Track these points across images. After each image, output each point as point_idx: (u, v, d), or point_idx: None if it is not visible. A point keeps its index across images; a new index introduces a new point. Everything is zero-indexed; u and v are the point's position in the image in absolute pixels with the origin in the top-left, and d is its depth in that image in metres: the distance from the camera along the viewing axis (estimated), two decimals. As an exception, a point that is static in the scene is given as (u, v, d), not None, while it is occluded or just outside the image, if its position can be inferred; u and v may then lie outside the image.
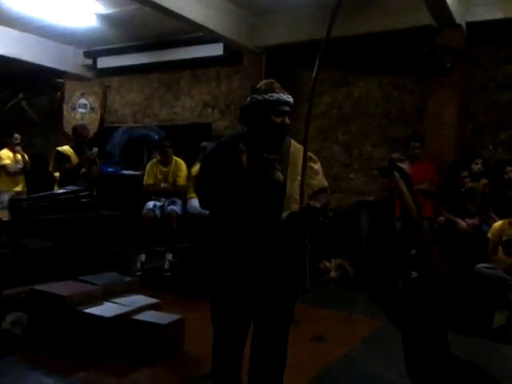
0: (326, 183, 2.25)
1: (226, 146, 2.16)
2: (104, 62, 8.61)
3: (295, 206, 2.06)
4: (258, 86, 2.16)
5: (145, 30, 7.39)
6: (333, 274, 5.34)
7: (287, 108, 2.11)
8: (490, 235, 4.34)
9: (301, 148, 2.16)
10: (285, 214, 2.04)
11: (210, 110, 7.88)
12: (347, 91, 6.67)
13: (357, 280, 5.46)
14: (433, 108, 5.61)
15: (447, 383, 2.43)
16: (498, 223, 4.34)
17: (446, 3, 4.88)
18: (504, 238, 4.26)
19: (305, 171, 2.03)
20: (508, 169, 4.72)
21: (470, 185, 4.83)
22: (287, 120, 2.10)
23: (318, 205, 2.00)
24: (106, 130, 8.37)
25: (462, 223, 4.65)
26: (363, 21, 5.74)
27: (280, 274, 2.12)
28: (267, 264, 2.09)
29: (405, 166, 2.53)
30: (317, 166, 2.22)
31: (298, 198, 2.05)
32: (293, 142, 2.23)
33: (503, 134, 5.54)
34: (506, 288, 4.06)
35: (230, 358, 2.18)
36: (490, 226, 4.46)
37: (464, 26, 5.44)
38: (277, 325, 2.17)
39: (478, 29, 5.46)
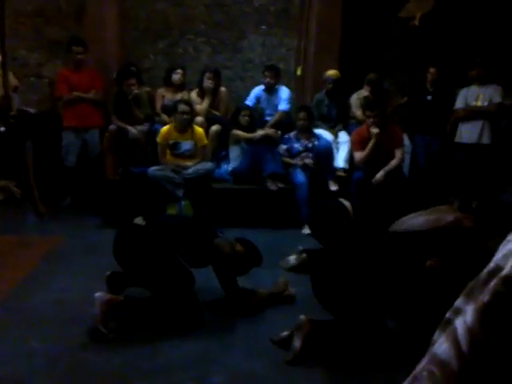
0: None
1: None
2: None
3: None
4: None
5: None
6: (-2, 196, 4.65)
7: None
8: (158, 139, 4.59)
9: None
10: None
11: None
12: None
13: (24, 201, 4.94)
14: (92, 10, 5.28)
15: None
16: (165, 128, 4.62)
17: None
18: (170, 141, 4.59)
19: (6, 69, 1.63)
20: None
21: (136, 91, 4.90)
22: None
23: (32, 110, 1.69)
24: None
25: (133, 130, 4.74)
26: None
27: None
28: None
29: None
30: None
31: None
32: None
33: (161, 44, 5.78)
34: (175, 186, 4.46)
35: None
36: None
37: None
38: None
39: None
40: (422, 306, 2.35)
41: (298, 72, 5.82)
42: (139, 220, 2.72)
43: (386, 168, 4.39)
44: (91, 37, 5.20)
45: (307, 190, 4.45)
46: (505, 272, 0.44)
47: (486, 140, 4.94)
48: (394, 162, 4.45)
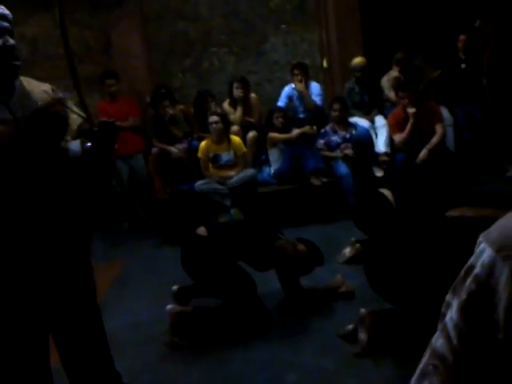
0: None
1: None
2: None
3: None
4: None
5: None
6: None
7: (5, 24, 1.63)
8: (199, 155, 4.73)
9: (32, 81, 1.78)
10: (75, 145, 1.72)
11: None
12: (18, 32, 5.85)
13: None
14: (118, 42, 5.53)
15: None
16: (204, 143, 4.75)
17: None
18: (210, 155, 4.71)
19: (80, 89, 1.84)
20: None
21: (171, 112, 5.06)
22: (10, 40, 1.61)
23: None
24: None
25: (174, 150, 4.90)
26: None
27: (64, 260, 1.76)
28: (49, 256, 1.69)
29: None
30: None
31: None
32: (24, 78, 1.76)
33: (187, 61, 5.92)
34: (222, 196, 4.58)
35: None
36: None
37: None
38: (83, 325, 1.83)
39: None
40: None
41: (325, 64, 5.81)
42: (201, 230, 2.84)
43: (429, 146, 4.32)
44: (121, 67, 5.43)
45: (352, 180, 4.45)
46: (475, 271, 0.52)
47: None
48: (435, 139, 4.37)
